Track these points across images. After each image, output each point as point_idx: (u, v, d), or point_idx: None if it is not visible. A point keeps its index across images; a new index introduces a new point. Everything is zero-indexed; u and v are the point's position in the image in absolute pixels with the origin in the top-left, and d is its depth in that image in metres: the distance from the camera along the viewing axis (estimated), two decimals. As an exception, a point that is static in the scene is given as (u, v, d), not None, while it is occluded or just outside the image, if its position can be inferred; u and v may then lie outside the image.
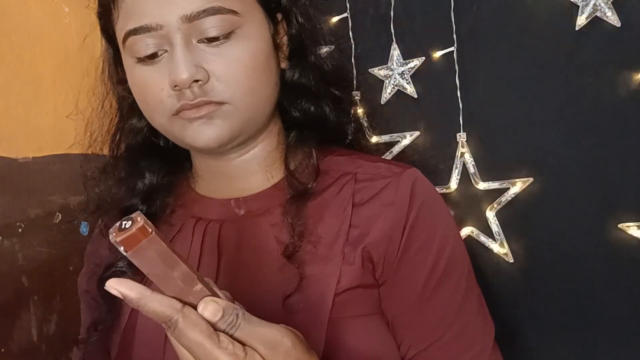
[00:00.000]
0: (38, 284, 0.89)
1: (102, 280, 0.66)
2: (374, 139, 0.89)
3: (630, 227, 0.76)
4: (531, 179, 0.81)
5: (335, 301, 0.58)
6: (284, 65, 0.67)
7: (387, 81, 0.88)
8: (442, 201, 0.67)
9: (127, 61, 0.63)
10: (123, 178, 0.71)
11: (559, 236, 0.80)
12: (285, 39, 0.67)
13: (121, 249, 0.40)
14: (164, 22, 0.58)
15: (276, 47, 0.65)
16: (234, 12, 0.59)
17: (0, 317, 0.83)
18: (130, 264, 0.66)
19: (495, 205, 0.83)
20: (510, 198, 0.82)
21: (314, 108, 0.69)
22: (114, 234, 0.40)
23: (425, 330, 0.62)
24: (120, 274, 0.66)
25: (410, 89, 0.87)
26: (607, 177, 0.78)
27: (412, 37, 0.87)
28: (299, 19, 0.68)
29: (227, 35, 0.59)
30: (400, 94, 0.88)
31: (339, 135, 0.73)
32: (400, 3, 0.87)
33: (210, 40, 0.59)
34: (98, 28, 0.68)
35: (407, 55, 0.87)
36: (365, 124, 0.89)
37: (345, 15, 0.89)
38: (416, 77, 0.87)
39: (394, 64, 0.87)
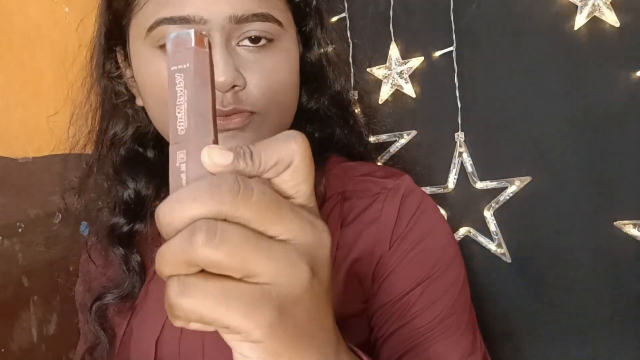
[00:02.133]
0: (38, 284, 0.89)
1: (91, 311, 0.64)
2: (372, 139, 0.89)
3: (626, 226, 0.76)
4: (529, 178, 0.81)
5: None
6: None
7: (385, 81, 0.88)
8: (436, 210, 0.64)
9: (145, 52, 0.57)
10: (107, 192, 0.66)
11: (556, 235, 0.80)
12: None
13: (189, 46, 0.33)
14: (209, 18, 0.53)
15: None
16: (279, 23, 0.56)
17: (0, 317, 0.83)
18: (121, 297, 0.64)
19: (493, 205, 0.83)
20: (508, 197, 0.82)
21: (318, 134, 0.67)
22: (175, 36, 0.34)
23: (400, 345, 0.57)
24: (106, 309, 0.65)
25: (409, 89, 0.87)
26: (605, 176, 0.78)
27: (411, 37, 0.87)
28: (323, 46, 0.66)
29: (267, 44, 0.56)
30: (398, 93, 0.88)
31: (341, 149, 0.70)
32: (399, 2, 0.87)
33: (253, 41, 0.55)
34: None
35: (406, 55, 0.87)
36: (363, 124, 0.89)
37: (343, 15, 0.90)
38: (415, 76, 0.87)
39: (393, 63, 0.87)
